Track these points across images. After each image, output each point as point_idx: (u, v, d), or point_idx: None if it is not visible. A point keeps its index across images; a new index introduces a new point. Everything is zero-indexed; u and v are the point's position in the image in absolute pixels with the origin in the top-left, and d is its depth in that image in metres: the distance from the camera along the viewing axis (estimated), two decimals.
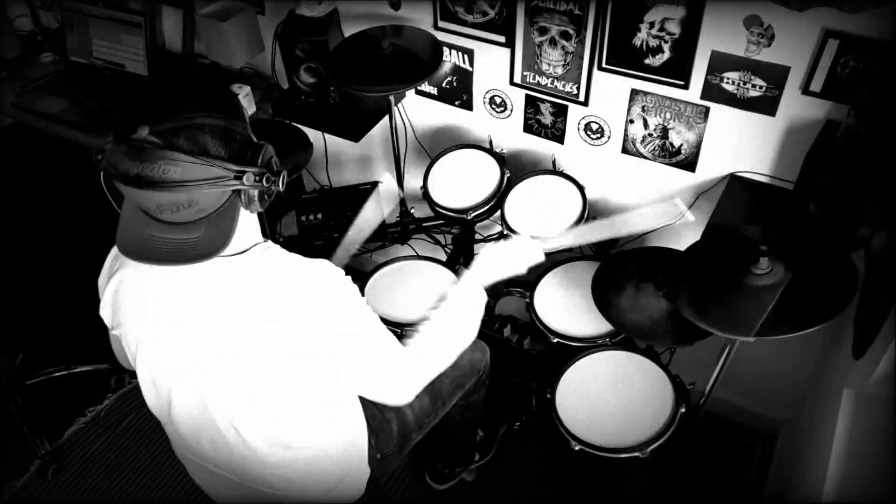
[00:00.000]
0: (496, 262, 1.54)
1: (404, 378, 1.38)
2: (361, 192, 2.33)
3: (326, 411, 1.40)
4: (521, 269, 1.56)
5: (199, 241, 1.13)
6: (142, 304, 1.29)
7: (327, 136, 2.47)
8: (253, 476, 1.42)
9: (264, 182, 1.16)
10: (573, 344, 1.87)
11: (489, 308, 2.46)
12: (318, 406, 1.38)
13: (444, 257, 2.29)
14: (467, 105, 2.23)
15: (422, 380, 1.41)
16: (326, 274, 1.26)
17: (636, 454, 1.65)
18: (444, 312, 1.46)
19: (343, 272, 1.29)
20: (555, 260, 2.06)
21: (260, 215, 1.29)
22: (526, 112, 2.13)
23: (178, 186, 1.07)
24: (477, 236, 2.26)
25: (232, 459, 1.40)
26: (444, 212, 2.07)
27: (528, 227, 1.97)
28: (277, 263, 1.25)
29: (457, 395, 1.79)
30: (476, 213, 2.04)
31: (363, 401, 1.53)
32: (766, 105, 1.71)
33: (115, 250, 1.35)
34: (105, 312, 1.38)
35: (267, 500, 1.47)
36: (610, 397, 1.77)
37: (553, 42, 1.91)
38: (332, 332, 1.26)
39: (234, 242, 1.22)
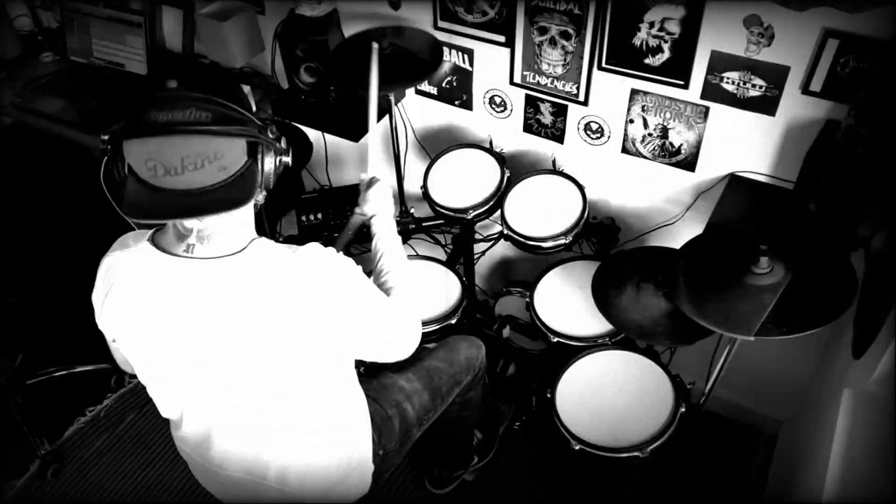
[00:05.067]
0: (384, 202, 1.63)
1: (406, 330, 1.42)
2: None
3: (332, 407, 1.41)
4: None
5: (218, 197, 1.14)
6: (144, 313, 1.29)
7: (327, 135, 2.47)
8: (261, 474, 1.43)
9: (282, 143, 1.23)
10: (573, 343, 1.87)
11: (488, 307, 2.46)
12: (323, 402, 1.38)
13: (444, 257, 2.29)
14: (467, 105, 2.23)
15: (415, 320, 1.46)
16: (319, 257, 1.28)
17: (636, 454, 1.65)
18: (386, 249, 1.55)
19: (334, 250, 1.30)
20: (555, 259, 2.07)
21: (259, 214, 1.29)
22: (526, 112, 2.13)
23: (209, 129, 1.10)
24: (477, 236, 2.26)
25: (241, 457, 1.41)
26: (443, 211, 2.07)
27: (528, 227, 1.97)
28: (272, 257, 1.26)
29: (454, 392, 1.80)
30: (476, 212, 2.04)
31: (367, 397, 1.54)
32: (765, 105, 1.71)
33: (105, 264, 1.33)
34: (104, 325, 1.37)
35: (272, 497, 1.47)
36: (610, 397, 1.77)
37: (553, 42, 1.91)
38: (335, 312, 1.27)
39: (232, 242, 1.23)
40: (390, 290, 1.46)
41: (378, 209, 1.63)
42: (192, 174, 1.11)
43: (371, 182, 1.66)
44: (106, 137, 1.16)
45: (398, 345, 1.42)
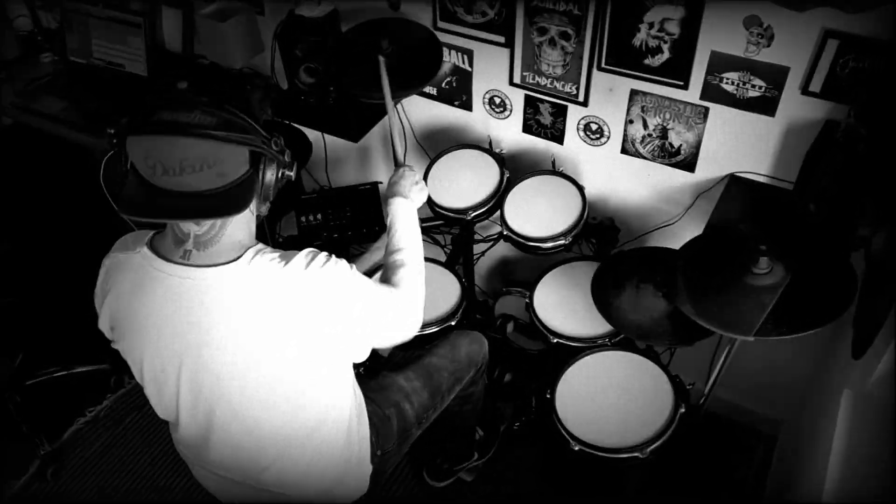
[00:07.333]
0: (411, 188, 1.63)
1: (405, 316, 1.41)
2: (361, 193, 2.33)
3: (329, 409, 1.41)
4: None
5: (213, 203, 1.14)
6: (142, 316, 1.29)
7: (327, 136, 2.47)
8: (257, 477, 1.42)
9: (286, 157, 1.22)
10: (573, 344, 1.87)
11: (489, 308, 2.46)
12: (320, 403, 1.38)
13: (443, 258, 2.29)
14: (467, 105, 2.23)
15: (418, 305, 1.44)
16: (313, 262, 1.27)
17: (636, 454, 1.65)
18: (401, 227, 1.54)
19: (327, 253, 1.29)
20: (555, 260, 2.06)
21: (259, 218, 1.29)
22: (525, 112, 2.13)
23: (209, 133, 1.10)
24: (476, 236, 2.26)
25: (237, 461, 1.41)
26: (443, 212, 2.07)
27: (528, 228, 1.97)
28: (267, 265, 1.25)
29: (455, 390, 1.80)
30: (476, 213, 2.04)
31: (364, 398, 1.54)
32: (765, 105, 1.71)
33: (105, 265, 1.34)
34: (104, 326, 1.37)
35: (271, 498, 1.47)
36: (609, 397, 1.77)
37: (552, 42, 1.91)
38: (332, 315, 1.26)
39: (229, 250, 1.23)
40: (399, 269, 1.45)
41: (401, 192, 1.62)
42: (190, 177, 1.11)
43: (398, 169, 1.67)
44: (112, 131, 1.16)
45: (398, 331, 1.40)
